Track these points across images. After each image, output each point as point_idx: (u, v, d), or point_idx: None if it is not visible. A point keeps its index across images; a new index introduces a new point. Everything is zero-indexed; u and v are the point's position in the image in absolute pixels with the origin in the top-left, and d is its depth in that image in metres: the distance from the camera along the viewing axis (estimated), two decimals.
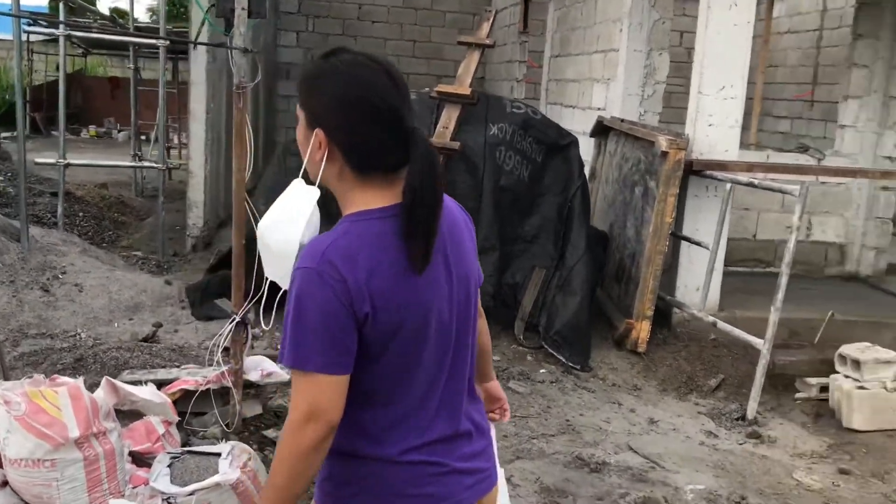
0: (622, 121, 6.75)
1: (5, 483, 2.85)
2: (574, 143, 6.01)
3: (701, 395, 5.21)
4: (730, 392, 5.23)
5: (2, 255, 5.98)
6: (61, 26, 7.76)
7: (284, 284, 1.66)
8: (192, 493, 2.88)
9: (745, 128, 6.68)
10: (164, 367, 4.33)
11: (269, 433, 3.82)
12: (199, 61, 7.66)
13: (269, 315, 2.75)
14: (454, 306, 1.65)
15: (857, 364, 4.96)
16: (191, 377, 3.78)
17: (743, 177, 5.62)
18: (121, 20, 13.82)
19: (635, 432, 4.57)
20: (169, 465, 3.03)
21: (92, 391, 3.10)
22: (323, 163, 1.60)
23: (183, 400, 3.65)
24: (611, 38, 7.37)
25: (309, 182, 1.67)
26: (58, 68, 8.42)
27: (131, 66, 10.52)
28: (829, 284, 7.15)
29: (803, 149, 7.44)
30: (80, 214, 8.01)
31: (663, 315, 5.95)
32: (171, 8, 18.21)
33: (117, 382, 3.34)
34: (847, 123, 7.43)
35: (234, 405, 3.67)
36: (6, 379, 3.44)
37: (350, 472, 1.63)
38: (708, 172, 5.74)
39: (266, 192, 5.69)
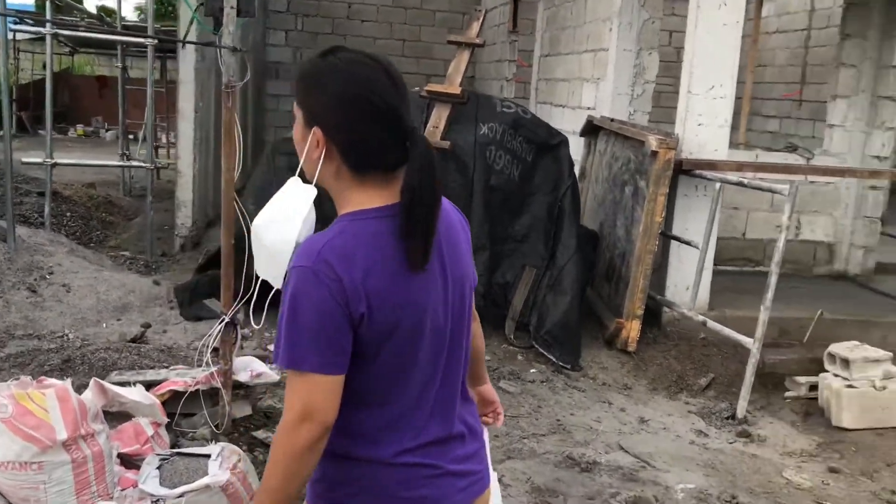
0: (612, 120, 6.76)
1: None
2: (564, 142, 6.01)
3: (691, 394, 5.22)
4: (720, 391, 5.24)
5: None
6: (48, 25, 7.68)
7: (277, 284, 1.64)
8: (181, 496, 2.86)
9: (735, 127, 6.70)
10: (152, 367, 4.30)
11: (259, 434, 3.80)
12: (187, 60, 7.63)
13: (258, 315, 2.73)
14: (449, 307, 1.64)
15: (846, 363, 4.99)
16: (180, 378, 3.76)
17: (732, 176, 5.64)
18: (108, 19, 13.77)
19: (626, 431, 4.58)
20: (158, 467, 3.01)
21: (80, 392, 3.08)
22: (320, 161, 1.59)
23: (172, 401, 3.63)
24: (600, 38, 7.38)
25: (305, 181, 1.65)
26: (45, 67, 8.35)
27: (119, 64, 10.49)
28: (818, 283, 7.18)
29: (792, 148, 7.48)
30: (68, 214, 7.96)
31: (653, 314, 5.96)
32: (160, 6, 18.12)
33: (105, 384, 3.32)
34: (835, 123, 7.46)
35: (224, 406, 3.65)
36: None
37: (344, 474, 1.62)
38: (697, 172, 5.75)
39: (255, 191, 5.68)
